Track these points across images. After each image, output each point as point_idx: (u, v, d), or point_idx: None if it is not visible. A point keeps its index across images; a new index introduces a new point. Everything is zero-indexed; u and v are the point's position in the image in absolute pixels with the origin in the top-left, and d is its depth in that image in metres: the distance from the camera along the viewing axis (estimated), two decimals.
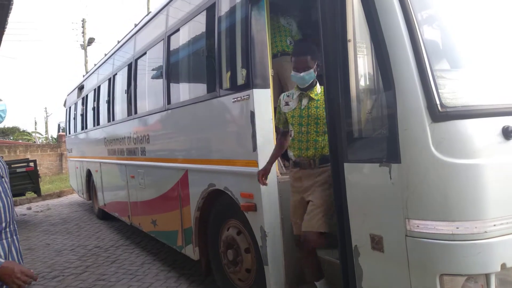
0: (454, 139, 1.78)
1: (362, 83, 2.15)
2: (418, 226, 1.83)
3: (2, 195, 1.88)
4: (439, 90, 1.80)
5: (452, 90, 1.85)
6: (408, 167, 1.85)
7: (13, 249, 1.93)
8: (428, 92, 1.79)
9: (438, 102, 1.79)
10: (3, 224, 1.86)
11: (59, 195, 12.64)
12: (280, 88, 3.69)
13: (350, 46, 2.12)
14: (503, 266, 1.74)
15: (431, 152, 1.79)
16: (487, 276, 1.75)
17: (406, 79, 1.84)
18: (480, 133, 1.78)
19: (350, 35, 2.13)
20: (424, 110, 1.80)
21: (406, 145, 1.85)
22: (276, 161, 2.92)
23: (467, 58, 2.06)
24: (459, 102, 1.83)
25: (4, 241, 1.87)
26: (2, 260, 1.73)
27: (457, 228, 1.75)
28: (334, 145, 2.23)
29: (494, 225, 1.74)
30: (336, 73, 2.17)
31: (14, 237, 1.94)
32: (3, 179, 1.92)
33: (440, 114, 1.78)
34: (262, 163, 2.84)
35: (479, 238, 1.74)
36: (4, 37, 7.30)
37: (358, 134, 2.15)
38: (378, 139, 2.05)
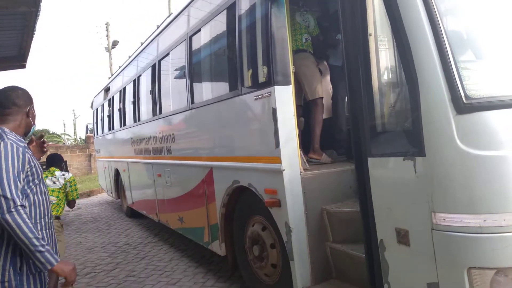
0: (480, 131, 1.76)
1: (384, 76, 2.14)
2: (444, 219, 1.82)
3: (44, 193, 2.03)
4: (463, 82, 1.78)
5: (477, 81, 1.82)
6: (433, 160, 1.84)
7: (54, 239, 2.11)
8: (452, 84, 1.77)
9: (462, 94, 1.76)
10: (49, 215, 2.05)
11: (89, 194, 13.03)
12: (297, 85, 3.71)
13: (371, 40, 2.12)
14: None
15: (456, 145, 1.77)
16: None
17: (429, 72, 1.83)
18: (506, 124, 1.75)
19: (371, 29, 2.12)
20: (448, 102, 1.78)
21: (431, 138, 1.84)
22: (299, 157, 2.93)
23: (491, 48, 2.02)
24: (484, 93, 1.80)
25: (49, 231, 2.04)
26: (58, 258, 1.85)
27: (485, 221, 1.73)
28: (357, 139, 2.23)
29: None
30: (357, 67, 2.17)
31: (53, 230, 2.11)
32: (41, 179, 2.06)
33: (465, 106, 1.76)
34: (285, 160, 2.86)
35: (508, 231, 1.71)
36: (33, 42, 7.54)
37: (381, 128, 2.14)
38: (401, 132, 2.04)
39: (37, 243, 1.74)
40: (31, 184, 1.92)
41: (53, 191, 3.93)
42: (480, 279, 1.76)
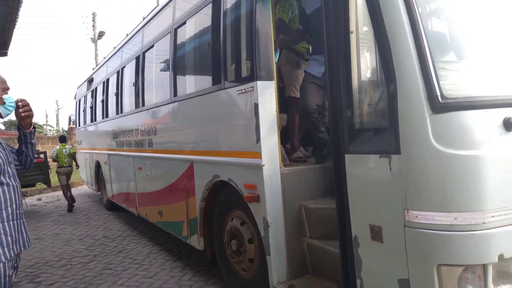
0: (454, 130, 1.79)
1: (364, 74, 2.15)
2: (417, 216, 1.84)
3: (12, 179, 1.98)
4: (440, 81, 1.80)
5: (454, 82, 1.85)
6: (408, 158, 1.86)
7: (23, 230, 2.04)
8: (429, 83, 1.80)
9: (438, 93, 1.79)
10: (14, 206, 1.97)
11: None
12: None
13: (353, 37, 2.13)
14: (501, 257, 1.74)
15: (431, 144, 1.80)
16: (484, 267, 1.76)
17: (407, 70, 1.85)
18: (480, 125, 1.78)
19: (352, 27, 2.14)
20: (424, 101, 1.80)
21: (406, 136, 1.86)
22: (279, 152, 2.94)
23: (470, 50, 2.05)
24: (460, 94, 1.83)
25: (15, 222, 1.97)
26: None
27: (455, 219, 1.76)
28: (335, 136, 2.25)
29: (493, 216, 1.74)
30: (338, 64, 2.18)
31: (22, 220, 2.04)
32: (11, 164, 2.01)
33: (441, 105, 1.79)
34: (265, 155, 2.86)
35: (477, 229, 1.74)
36: (16, 31, 7.39)
37: (359, 126, 2.16)
38: (379, 130, 2.06)
39: None
40: None
41: (66, 156, 8.89)
42: (448, 275, 1.79)
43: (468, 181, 1.77)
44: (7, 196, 1.93)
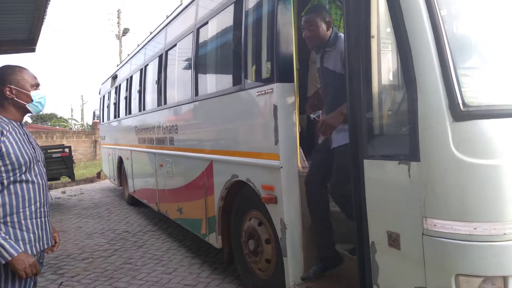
0: (475, 139, 1.76)
1: (384, 79, 2.13)
2: (435, 225, 1.82)
3: (38, 177, 1.99)
4: (462, 89, 1.77)
5: (476, 89, 1.82)
6: (427, 165, 1.84)
7: (47, 227, 2.05)
8: (450, 90, 1.77)
9: (460, 101, 1.76)
10: (38, 204, 1.98)
11: (92, 180, 13.13)
12: None
13: (374, 42, 2.11)
14: None
15: (451, 152, 1.77)
16: (504, 279, 1.73)
17: (428, 77, 1.82)
18: (502, 134, 1.75)
19: (374, 31, 2.12)
20: (445, 109, 1.78)
21: (426, 143, 1.84)
22: (298, 154, 2.94)
23: (493, 56, 2.00)
24: (482, 102, 1.79)
25: (38, 220, 1.98)
26: (20, 250, 1.84)
27: (475, 229, 1.73)
28: (354, 141, 2.24)
29: None
30: (358, 68, 2.17)
31: (47, 218, 2.05)
32: (39, 163, 2.05)
33: (462, 113, 1.76)
34: (283, 157, 2.87)
35: (498, 240, 1.71)
36: (44, 27, 7.58)
37: (379, 131, 2.14)
38: (398, 136, 2.04)
39: None
40: (10, 173, 1.86)
41: None
42: (467, 286, 1.76)
43: (488, 191, 1.74)
44: (31, 194, 1.94)
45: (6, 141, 1.87)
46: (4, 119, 1.94)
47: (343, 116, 2.57)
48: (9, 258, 1.79)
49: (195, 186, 4.48)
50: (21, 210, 1.90)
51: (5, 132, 1.88)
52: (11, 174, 1.87)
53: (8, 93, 1.96)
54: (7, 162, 1.85)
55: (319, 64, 3.02)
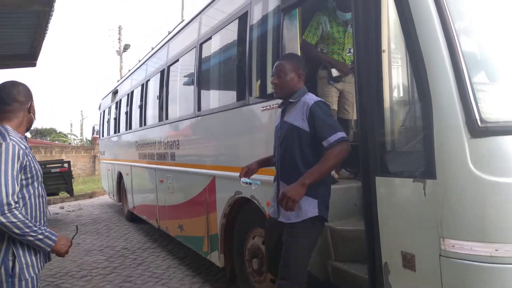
0: (494, 156, 1.69)
1: (396, 94, 2.08)
2: (453, 246, 1.74)
3: (41, 197, 1.99)
4: (479, 104, 1.72)
5: (493, 105, 1.76)
6: (444, 183, 1.77)
7: None
8: (467, 106, 1.71)
9: (477, 117, 1.70)
10: (45, 218, 2.01)
11: (91, 196, 13.00)
12: None
13: (385, 56, 2.07)
14: None
15: (469, 169, 1.70)
16: None
17: (443, 92, 1.77)
18: None
19: (384, 45, 2.07)
20: (462, 125, 1.72)
21: (443, 160, 1.77)
22: None
23: (509, 71, 1.96)
24: (501, 117, 1.73)
25: None
26: (57, 234, 1.93)
27: (497, 250, 1.65)
28: (365, 157, 2.17)
29: None
30: (369, 84, 2.12)
31: None
32: (40, 182, 2.02)
33: (480, 129, 1.69)
34: None
35: None
36: (44, 42, 7.58)
37: (392, 147, 2.08)
38: (412, 153, 1.98)
39: (33, 234, 1.79)
40: (30, 187, 1.89)
41: None
42: None
43: (509, 210, 1.67)
44: (41, 209, 1.96)
45: (30, 155, 1.90)
46: (20, 135, 1.94)
47: (305, 189, 2.21)
48: (53, 244, 1.88)
49: (196, 202, 4.39)
50: (37, 222, 1.92)
51: (27, 150, 1.89)
52: (30, 187, 1.90)
53: (33, 107, 2.02)
54: (29, 175, 1.88)
55: (279, 118, 2.61)
